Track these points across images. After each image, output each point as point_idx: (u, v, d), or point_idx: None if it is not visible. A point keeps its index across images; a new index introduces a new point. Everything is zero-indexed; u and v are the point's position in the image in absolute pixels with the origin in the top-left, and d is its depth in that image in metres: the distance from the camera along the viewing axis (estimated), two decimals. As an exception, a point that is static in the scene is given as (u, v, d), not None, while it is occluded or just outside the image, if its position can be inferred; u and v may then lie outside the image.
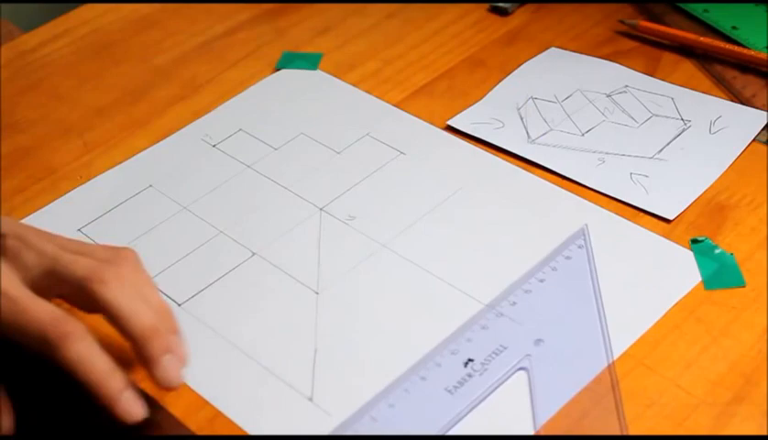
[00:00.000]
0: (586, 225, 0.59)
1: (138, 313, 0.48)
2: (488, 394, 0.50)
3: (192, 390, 0.52)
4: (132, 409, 0.46)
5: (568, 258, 0.57)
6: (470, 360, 0.52)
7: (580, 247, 0.58)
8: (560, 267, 0.57)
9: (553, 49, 0.75)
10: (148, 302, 0.49)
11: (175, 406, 0.51)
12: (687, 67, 0.73)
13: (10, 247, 0.50)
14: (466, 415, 0.50)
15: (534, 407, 0.50)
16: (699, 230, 0.59)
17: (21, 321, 0.46)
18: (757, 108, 0.68)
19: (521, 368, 0.52)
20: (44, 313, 0.47)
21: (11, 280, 0.48)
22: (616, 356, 0.52)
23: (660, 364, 0.52)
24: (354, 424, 0.50)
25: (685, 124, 0.67)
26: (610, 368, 0.51)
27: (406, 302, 0.56)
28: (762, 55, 0.71)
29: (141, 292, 0.49)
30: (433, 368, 0.52)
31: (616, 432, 0.49)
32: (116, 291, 0.48)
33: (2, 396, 0.48)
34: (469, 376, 0.51)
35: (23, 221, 0.63)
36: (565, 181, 0.63)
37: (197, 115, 0.71)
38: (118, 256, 0.50)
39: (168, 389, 0.48)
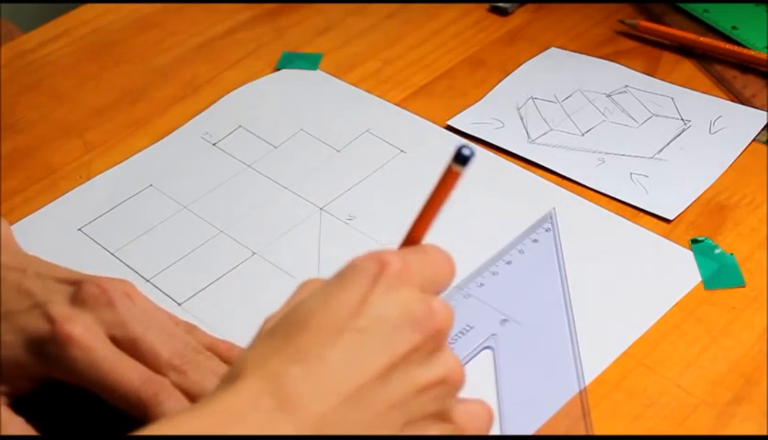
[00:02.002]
0: (554, 208, 0.60)
1: None
2: None
3: (192, 390, 0.52)
4: None
5: (535, 241, 0.58)
6: None
7: (547, 230, 0.59)
8: (527, 250, 0.58)
9: (553, 49, 0.75)
10: None
11: (175, 406, 0.51)
12: (687, 67, 0.73)
13: (91, 295, 0.49)
14: None
15: (499, 384, 0.51)
16: (699, 230, 0.59)
17: (111, 381, 0.47)
18: (757, 108, 0.68)
19: (486, 347, 0.53)
20: (133, 374, 0.47)
21: (96, 337, 0.48)
22: (616, 356, 0.52)
23: (660, 364, 0.52)
24: None
25: (685, 124, 0.67)
26: (573, 343, 0.53)
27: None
28: (762, 55, 0.71)
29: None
30: None
31: (578, 409, 0.49)
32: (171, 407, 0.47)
33: (26, 427, 0.48)
34: None
35: (23, 221, 0.63)
36: (565, 181, 0.63)
37: (197, 115, 0.71)
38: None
39: None
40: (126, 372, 0.47)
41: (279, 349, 0.40)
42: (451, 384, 0.41)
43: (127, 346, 0.48)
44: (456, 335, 0.53)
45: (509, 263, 0.57)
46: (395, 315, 0.40)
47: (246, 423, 0.37)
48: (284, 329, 0.41)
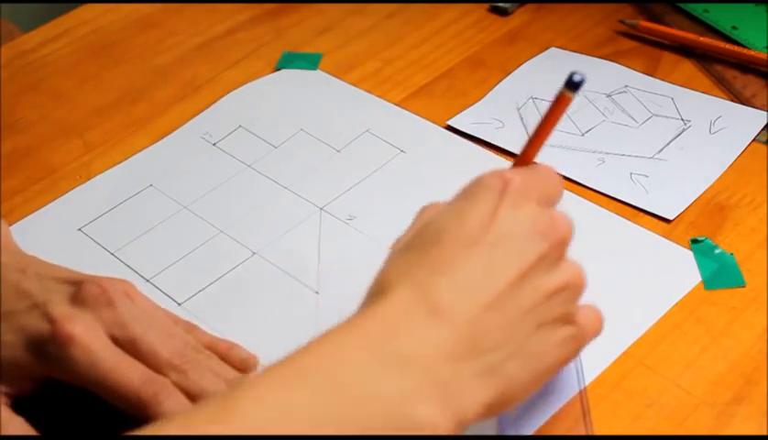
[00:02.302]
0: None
1: None
2: None
3: (192, 390, 0.52)
4: None
5: None
6: None
7: None
8: None
9: (553, 49, 0.75)
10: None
11: (175, 406, 0.51)
12: (687, 67, 0.73)
13: (91, 295, 0.49)
14: None
15: None
16: (699, 230, 0.59)
17: (111, 381, 0.47)
18: (757, 108, 0.68)
19: None
20: (134, 373, 0.47)
21: (97, 337, 0.48)
22: (616, 356, 0.52)
23: (660, 364, 0.52)
24: None
25: (685, 124, 0.67)
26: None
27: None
28: (762, 55, 0.71)
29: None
30: None
31: (577, 409, 0.50)
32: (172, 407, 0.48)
33: (26, 427, 0.48)
34: None
35: (23, 221, 0.63)
36: (565, 181, 0.63)
37: (197, 115, 0.71)
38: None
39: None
40: (127, 372, 0.47)
41: (421, 263, 0.42)
42: (574, 289, 0.44)
43: (127, 345, 0.48)
44: None
45: None
46: (523, 228, 0.43)
47: (402, 331, 0.40)
48: (421, 245, 0.43)
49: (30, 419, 0.48)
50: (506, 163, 0.65)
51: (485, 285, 0.42)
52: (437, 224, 0.44)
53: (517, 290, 0.42)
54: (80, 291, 0.49)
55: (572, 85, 0.46)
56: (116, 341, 0.48)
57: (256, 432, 0.37)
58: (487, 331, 0.41)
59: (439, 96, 0.71)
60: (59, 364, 0.47)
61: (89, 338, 0.47)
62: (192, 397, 0.48)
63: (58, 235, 0.62)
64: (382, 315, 0.41)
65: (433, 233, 0.44)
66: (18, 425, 0.47)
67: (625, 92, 0.70)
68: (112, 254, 0.60)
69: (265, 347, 0.54)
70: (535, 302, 0.43)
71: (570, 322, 0.45)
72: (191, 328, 0.52)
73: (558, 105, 0.47)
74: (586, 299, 0.55)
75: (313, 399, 0.39)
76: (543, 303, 0.43)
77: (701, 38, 0.73)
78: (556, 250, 0.44)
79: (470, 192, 0.45)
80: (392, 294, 0.41)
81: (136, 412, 0.47)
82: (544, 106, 0.69)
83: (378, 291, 0.42)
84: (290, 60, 0.76)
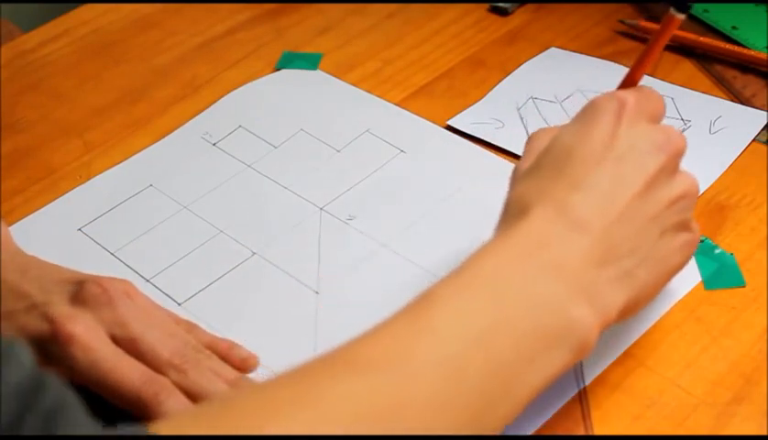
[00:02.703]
0: None
1: None
2: None
3: (192, 390, 0.52)
4: None
5: None
6: None
7: None
8: None
9: (553, 49, 0.75)
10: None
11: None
12: (687, 67, 0.73)
13: (92, 295, 0.49)
14: None
15: None
16: (699, 230, 0.59)
17: (112, 380, 0.47)
18: (757, 108, 0.68)
19: None
20: (134, 373, 0.47)
21: (97, 336, 0.48)
22: (616, 356, 0.52)
23: (660, 364, 0.52)
24: None
25: (685, 124, 0.67)
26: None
27: (406, 301, 0.56)
28: (762, 55, 0.71)
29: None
30: None
31: (577, 410, 0.50)
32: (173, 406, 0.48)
33: None
34: None
35: (23, 221, 0.63)
36: (565, 181, 0.63)
37: (197, 114, 0.71)
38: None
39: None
40: (127, 372, 0.47)
41: (554, 181, 0.46)
42: (690, 197, 0.48)
43: (128, 345, 0.48)
44: None
45: None
46: (643, 143, 0.47)
47: (552, 243, 0.44)
48: (550, 165, 0.47)
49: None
50: (506, 163, 0.65)
51: (615, 197, 0.45)
52: (563, 145, 0.47)
53: (643, 200, 0.46)
54: (80, 291, 0.49)
55: (680, 7, 0.48)
56: (117, 340, 0.48)
57: (454, 336, 0.41)
58: (621, 239, 0.45)
59: (439, 96, 0.71)
60: (59, 363, 0.47)
61: (89, 337, 0.47)
62: (193, 397, 0.48)
63: (58, 235, 0.62)
64: (530, 231, 0.44)
65: (560, 153, 0.46)
66: None
67: (625, 92, 0.70)
68: (112, 254, 0.60)
69: (265, 347, 0.54)
70: (659, 210, 0.46)
71: (687, 228, 0.48)
72: (191, 328, 0.52)
73: (667, 27, 0.49)
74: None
75: (492, 305, 0.42)
76: (664, 211, 0.47)
77: (701, 38, 0.73)
78: (673, 161, 0.47)
79: (589, 114, 0.48)
80: (535, 211, 0.45)
81: (136, 411, 0.47)
82: (544, 106, 0.69)
83: (519, 211, 0.45)
84: (290, 60, 0.76)
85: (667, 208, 0.47)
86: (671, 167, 0.47)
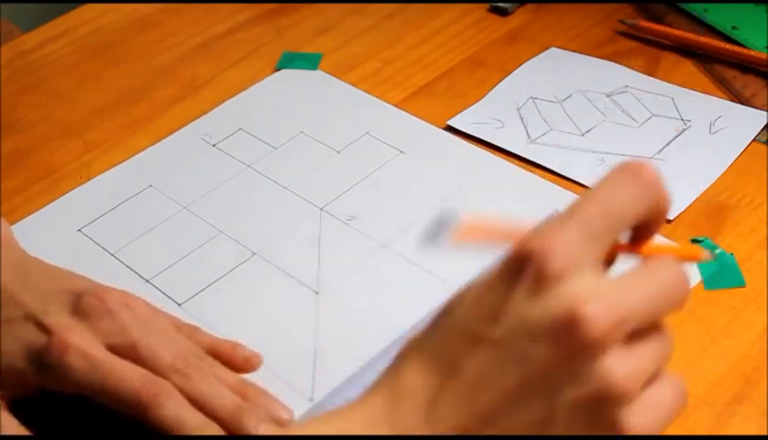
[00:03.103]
0: (557, 210, 0.60)
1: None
2: None
3: (192, 390, 0.52)
4: None
5: None
6: None
7: None
8: None
9: (553, 49, 0.75)
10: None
11: (175, 406, 0.51)
12: (687, 67, 0.73)
13: (91, 306, 0.49)
14: None
15: None
16: (699, 230, 0.59)
17: (110, 384, 0.47)
18: (757, 108, 0.68)
19: None
20: (134, 375, 0.47)
21: (93, 343, 0.48)
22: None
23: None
24: (327, 405, 0.50)
25: (685, 124, 0.67)
26: None
27: (406, 301, 0.56)
28: (762, 55, 0.71)
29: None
30: None
31: None
32: (176, 409, 0.47)
33: (21, 429, 0.48)
34: None
35: (23, 221, 0.63)
36: (565, 181, 0.63)
37: (197, 115, 0.71)
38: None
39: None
40: (127, 373, 0.47)
41: (415, 352, 0.38)
42: (612, 399, 0.36)
43: (128, 351, 0.48)
44: None
45: None
46: (534, 325, 0.36)
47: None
48: (428, 326, 0.39)
49: (25, 420, 0.48)
50: (506, 163, 0.65)
51: (477, 395, 0.36)
52: (449, 302, 0.39)
53: (519, 402, 0.36)
54: (79, 302, 0.49)
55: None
56: (116, 349, 0.48)
57: None
58: None
59: (439, 96, 0.71)
60: (57, 373, 0.47)
61: (87, 345, 0.47)
62: (194, 401, 0.48)
63: (58, 235, 0.62)
64: (365, 415, 0.38)
65: (440, 314, 0.39)
66: (13, 427, 0.47)
67: (625, 92, 0.70)
68: (112, 254, 0.60)
69: (265, 347, 0.54)
70: (543, 416, 0.36)
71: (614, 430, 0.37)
72: (193, 332, 0.52)
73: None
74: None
75: None
76: (557, 418, 0.36)
77: (701, 38, 0.73)
78: (580, 355, 0.35)
79: (496, 265, 0.38)
80: (376, 392, 0.38)
81: (136, 415, 0.47)
82: (544, 106, 0.69)
83: (380, 380, 0.39)
84: (290, 60, 0.76)
85: (565, 414, 0.36)
86: (577, 359, 0.35)
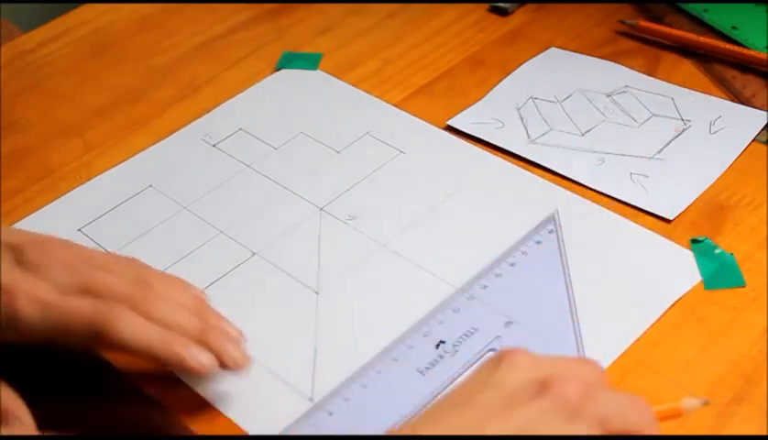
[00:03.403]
0: (557, 210, 0.60)
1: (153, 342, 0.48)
2: (459, 375, 0.52)
3: (193, 391, 0.52)
4: (203, 358, 0.48)
5: (539, 243, 0.58)
6: (442, 342, 0.53)
7: (551, 231, 0.59)
8: (530, 252, 0.58)
9: (553, 49, 0.75)
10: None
11: (176, 406, 0.51)
12: (687, 67, 0.73)
13: (34, 256, 0.49)
14: (437, 396, 0.50)
15: None
16: (699, 230, 0.59)
17: (64, 320, 0.47)
18: (757, 108, 0.68)
19: (491, 350, 0.53)
20: (83, 304, 0.47)
21: (40, 287, 0.48)
22: (616, 356, 0.52)
23: (660, 364, 0.52)
24: (327, 405, 0.50)
25: (685, 124, 0.67)
26: (579, 344, 0.52)
27: (406, 301, 0.56)
28: (762, 55, 0.71)
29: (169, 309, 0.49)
30: (405, 350, 0.53)
31: None
32: (131, 330, 0.47)
33: (14, 397, 0.48)
34: (440, 357, 0.52)
35: (23, 221, 0.63)
36: (565, 181, 0.63)
37: (197, 115, 0.71)
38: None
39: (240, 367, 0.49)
40: (77, 305, 0.47)
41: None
42: None
43: (80, 290, 0.48)
44: (461, 337, 0.53)
45: (512, 265, 0.57)
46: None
47: None
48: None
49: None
50: (506, 163, 0.65)
51: None
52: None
53: None
54: (21, 254, 0.49)
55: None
56: (67, 292, 0.48)
57: None
58: None
59: (439, 96, 0.71)
60: (11, 326, 0.47)
61: (37, 292, 0.47)
62: (150, 318, 0.48)
63: (58, 235, 0.62)
64: None
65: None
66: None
67: (625, 92, 0.70)
68: (112, 254, 0.60)
69: (265, 347, 0.54)
70: None
71: None
72: (200, 307, 0.51)
73: None
74: (585, 299, 0.55)
75: None
76: None
77: (701, 38, 0.73)
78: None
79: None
80: None
81: (97, 347, 0.46)
82: (544, 106, 0.69)
83: None
84: (290, 60, 0.76)
85: None
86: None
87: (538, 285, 0.56)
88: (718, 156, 0.64)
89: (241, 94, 0.73)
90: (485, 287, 0.56)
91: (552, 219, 0.60)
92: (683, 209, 0.61)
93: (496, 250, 0.58)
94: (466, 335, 0.53)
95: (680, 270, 0.57)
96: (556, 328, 0.54)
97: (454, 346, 0.53)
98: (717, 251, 0.58)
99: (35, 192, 0.66)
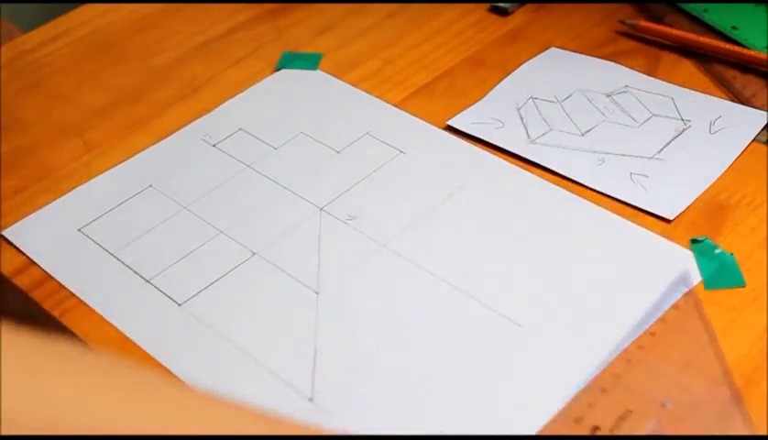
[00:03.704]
0: (687, 270, 0.56)
1: None
2: None
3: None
4: None
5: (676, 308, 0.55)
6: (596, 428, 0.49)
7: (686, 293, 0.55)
8: (669, 318, 0.54)
9: (553, 49, 0.75)
10: None
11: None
12: (687, 67, 0.73)
13: None
14: None
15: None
16: (699, 230, 0.59)
17: None
18: (757, 108, 0.68)
19: None
20: None
21: None
22: (615, 356, 0.52)
23: (660, 364, 0.52)
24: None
25: (685, 124, 0.67)
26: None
27: (406, 301, 0.56)
28: (762, 55, 0.71)
29: None
30: None
31: None
32: None
33: None
34: None
35: (23, 221, 0.63)
36: (564, 181, 0.63)
37: (197, 115, 0.71)
38: None
39: None
40: None
41: None
42: None
43: None
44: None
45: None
46: None
47: None
48: None
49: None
50: (506, 163, 0.65)
51: None
52: None
53: None
54: None
55: None
56: None
57: None
58: None
59: (439, 96, 0.71)
60: None
61: None
62: None
63: (58, 235, 0.62)
64: None
65: None
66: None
67: (625, 92, 0.70)
68: (112, 254, 0.60)
69: (265, 348, 0.54)
70: None
71: None
72: None
73: None
74: (584, 299, 0.55)
75: None
76: None
77: (701, 38, 0.73)
78: None
79: None
80: None
81: None
82: (544, 106, 0.70)
83: None
84: (290, 60, 0.76)
85: None
86: None
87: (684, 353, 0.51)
88: (718, 156, 0.64)
89: (241, 94, 0.73)
90: (629, 361, 0.52)
91: (684, 278, 0.56)
92: (683, 209, 0.61)
93: (495, 250, 0.58)
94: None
95: (680, 270, 0.57)
96: (556, 328, 0.53)
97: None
98: (717, 251, 0.58)
99: (35, 192, 0.66)
